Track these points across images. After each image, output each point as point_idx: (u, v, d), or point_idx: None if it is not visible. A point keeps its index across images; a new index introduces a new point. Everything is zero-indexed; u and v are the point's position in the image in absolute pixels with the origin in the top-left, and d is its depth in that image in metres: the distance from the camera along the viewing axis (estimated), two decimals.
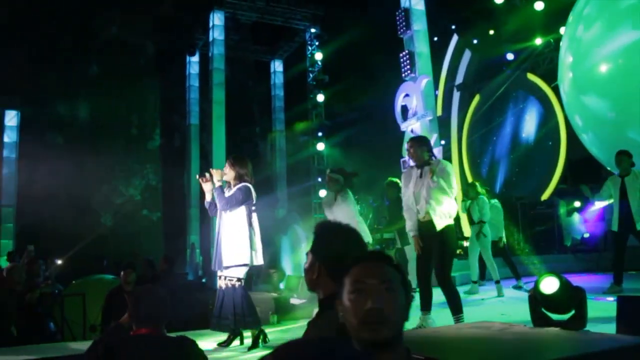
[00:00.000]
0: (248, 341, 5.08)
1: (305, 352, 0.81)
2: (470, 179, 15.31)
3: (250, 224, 5.07)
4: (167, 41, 19.62)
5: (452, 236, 5.14)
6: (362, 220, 6.67)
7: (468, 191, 8.51)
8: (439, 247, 5.04)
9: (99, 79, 19.89)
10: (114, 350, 2.38)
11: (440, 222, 5.02)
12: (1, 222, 16.57)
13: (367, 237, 6.63)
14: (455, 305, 5.03)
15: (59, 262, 7.93)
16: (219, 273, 5.17)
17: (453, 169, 5.25)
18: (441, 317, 5.23)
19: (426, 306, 5.16)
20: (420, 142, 5.31)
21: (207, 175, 5.16)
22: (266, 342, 5.04)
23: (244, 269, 5.07)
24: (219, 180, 5.08)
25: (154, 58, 20.90)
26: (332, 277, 1.96)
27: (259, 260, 5.12)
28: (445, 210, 5.04)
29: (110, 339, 2.52)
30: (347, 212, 6.47)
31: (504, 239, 8.56)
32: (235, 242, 4.99)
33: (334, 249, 2.01)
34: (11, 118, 17.10)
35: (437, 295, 5.33)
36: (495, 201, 8.72)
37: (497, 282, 7.74)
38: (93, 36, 19.73)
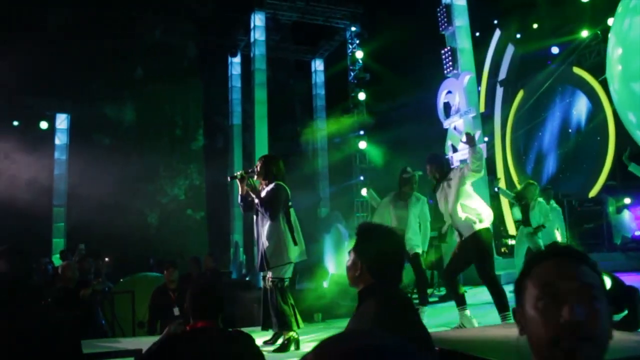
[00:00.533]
0: (305, 346, 4.95)
1: (350, 346, 0.75)
2: (515, 176, 15.07)
3: (287, 222, 5.07)
4: (209, 43, 19.90)
5: (484, 238, 5.16)
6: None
7: (527, 191, 8.29)
8: (473, 249, 5.10)
9: (143, 82, 20.33)
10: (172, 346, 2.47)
11: (468, 227, 5.07)
12: (53, 222, 17.13)
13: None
14: (501, 304, 5.00)
15: (107, 259, 8.14)
16: (262, 273, 5.20)
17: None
18: (490, 316, 5.18)
19: (459, 301, 5.20)
20: (431, 161, 5.68)
21: (239, 174, 5.25)
22: (298, 349, 4.90)
23: (288, 268, 5.08)
24: (257, 197, 5.05)
25: (197, 60, 21.22)
26: (372, 275, 2.14)
27: (300, 256, 5.11)
28: (471, 215, 5.09)
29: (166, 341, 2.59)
30: (420, 214, 6.50)
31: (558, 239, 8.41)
32: (275, 241, 5.00)
33: (375, 249, 2.15)
34: (62, 121, 17.65)
35: (485, 294, 5.29)
36: (552, 203, 8.58)
37: None
38: (137, 40, 20.17)
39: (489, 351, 2.30)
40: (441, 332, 3.75)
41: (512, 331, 2.68)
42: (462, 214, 5.12)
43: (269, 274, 5.06)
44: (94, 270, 8.27)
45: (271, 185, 5.07)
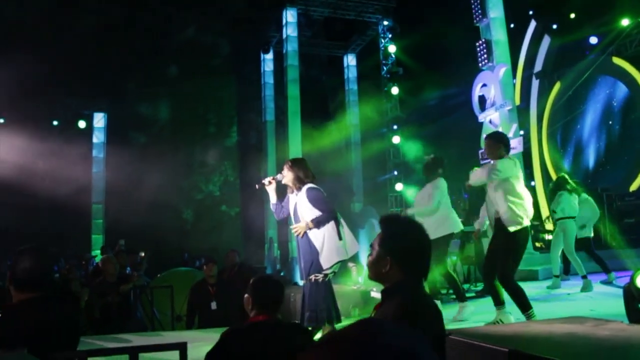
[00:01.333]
0: None
1: (346, 336, 0.78)
2: (552, 170, 14.81)
3: (335, 219, 5.01)
4: (241, 40, 20.03)
5: (520, 237, 5.00)
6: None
7: (560, 185, 8.20)
8: (504, 245, 4.98)
9: (178, 80, 20.59)
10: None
11: (508, 222, 4.95)
12: (92, 218, 17.52)
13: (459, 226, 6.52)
14: (520, 303, 4.92)
15: (142, 254, 8.28)
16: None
17: (510, 164, 5.11)
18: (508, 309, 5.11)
19: (498, 301, 5.11)
20: (495, 139, 5.27)
21: (267, 181, 5.19)
22: None
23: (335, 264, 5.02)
24: (311, 224, 4.99)
25: (230, 57, 21.40)
26: (401, 270, 2.05)
27: (352, 248, 5.04)
28: (513, 210, 4.94)
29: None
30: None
31: (590, 234, 8.24)
32: (324, 242, 4.87)
33: (405, 241, 2.07)
34: (99, 120, 18.03)
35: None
36: (584, 195, 8.39)
37: (584, 277, 7.45)
38: (171, 38, 20.43)
39: (536, 346, 2.26)
40: (483, 327, 3.72)
41: (559, 327, 2.64)
42: (504, 208, 4.97)
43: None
44: (132, 265, 8.42)
45: (304, 189, 4.98)
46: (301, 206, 5.00)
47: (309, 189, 4.97)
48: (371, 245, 2.17)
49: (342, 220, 5.04)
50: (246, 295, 2.88)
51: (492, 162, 5.23)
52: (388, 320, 0.82)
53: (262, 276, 3.36)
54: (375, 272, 2.12)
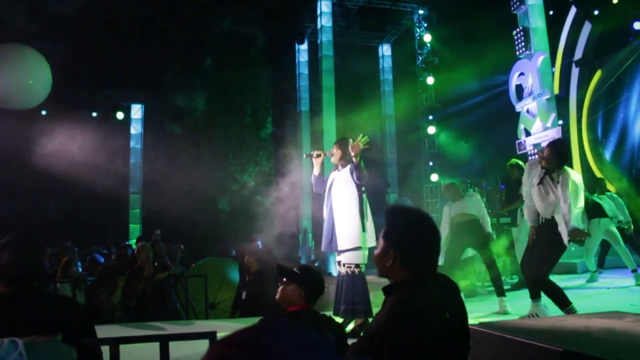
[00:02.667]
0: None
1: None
2: (592, 162, 14.45)
3: (360, 206, 5.07)
4: (276, 31, 20.05)
5: (563, 239, 4.90)
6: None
7: (596, 187, 8.23)
8: (547, 244, 4.90)
9: (213, 71, 20.75)
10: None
11: (559, 225, 4.89)
12: (130, 208, 17.85)
13: (488, 228, 6.52)
14: (558, 300, 4.83)
15: (182, 246, 8.41)
16: (337, 258, 5.20)
17: (577, 179, 4.99)
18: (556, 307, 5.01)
19: (535, 294, 5.03)
20: (558, 149, 5.13)
21: (315, 153, 5.33)
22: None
23: (361, 253, 5.04)
24: (355, 157, 5.10)
25: (265, 48, 21.44)
26: (406, 264, 1.93)
27: (371, 242, 5.07)
28: (567, 216, 4.85)
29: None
30: (479, 215, 6.46)
31: (631, 226, 8.10)
32: (348, 224, 5.00)
33: (408, 235, 1.95)
34: (136, 111, 18.32)
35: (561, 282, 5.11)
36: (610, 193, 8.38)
37: (634, 270, 7.39)
38: (207, 30, 20.57)
39: (571, 341, 2.21)
40: (519, 320, 3.66)
41: (597, 322, 2.57)
42: (566, 211, 4.88)
43: (344, 260, 5.05)
44: (168, 254, 8.55)
45: (350, 165, 5.09)
46: (339, 180, 5.16)
47: (356, 162, 5.08)
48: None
49: (368, 213, 5.09)
50: (293, 286, 2.89)
51: (562, 172, 5.03)
52: (288, 324, 0.80)
53: (308, 267, 3.38)
54: (380, 267, 2.01)
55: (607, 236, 7.79)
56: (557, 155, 5.03)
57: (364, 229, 5.00)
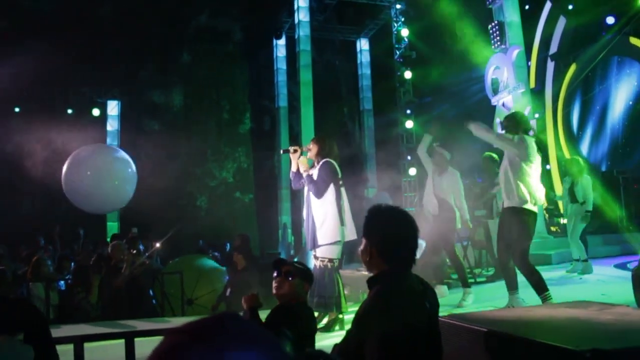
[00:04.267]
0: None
1: (184, 331, 0.80)
2: (567, 154, 14.62)
3: (338, 201, 5.05)
4: (254, 26, 19.96)
5: (528, 220, 4.93)
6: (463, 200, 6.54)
7: (570, 168, 8.09)
8: (514, 229, 4.94)
9: (190, 67, 20.60)
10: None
11: (515, 205, 4.90)
12: None
13: (466, 215, 6.50)
14: (536, 285, 4.87)
15: (158, 244, 8.37)
16: (313, 252, 5.20)
17: (533, 143, 5.02)
18: (533, 298, 5.06)
19: (512, 285, 5.06)
20: (514, 120, 5.16)
21: (292, 148, 5.31)
22: (342, 329, 4.90)
23: (337, 248, 5.05)
24: (305, 171, 5.11)
25: (242, 43, 21.34)
26: (385, 259, 2.11)
27: (350, 235, 5.08)
28: (521, 193, 4.86)
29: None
30: (453, 189, 6.39)
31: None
32: (325, 220, 4.99)
33: (384, 233, 2.13)
34: (113, 108, 18.09)
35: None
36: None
37: (585, 260, 7.45)
38: (184, 25, 20.40)
39: (536, 330, 2.23)
40: (487, 312, 3.69)
41: (562, 311, 2.61)
42: (515, 190, 4.90)
43: (319, 254, 5.05)
44: (143, 251, 8.48)
45: (322, 162, 5.09)
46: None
47: (324, 162, 5.04)
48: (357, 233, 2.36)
49: (345, 206, 5.08)
50: (297, 280, 2.95)
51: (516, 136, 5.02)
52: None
53: (302, 262, 3.48)
54: (364, 262, 2.21)
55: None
56: (516, 123, 5.09)
57: (342, 223, 5.01)
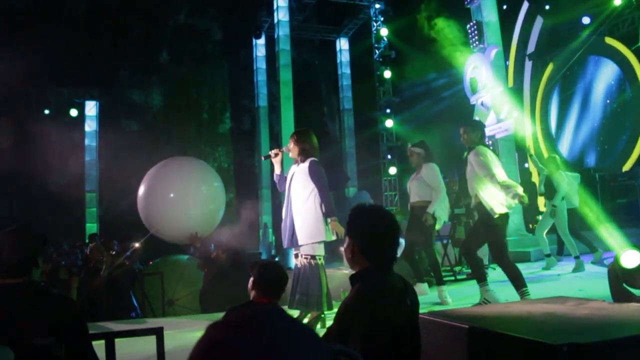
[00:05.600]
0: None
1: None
2: (545, 152, 14.80)
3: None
4: (233, 25, 19.88)
5: (498, 224, 5.03)
6: (446, 197, 6.53)
7: (547, 165, 8.21)
8: (487, 228, 5.04)
9: (170, 66, 20.45)
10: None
11: (489, 206, 5.01)
12: (86, 207, 17.47)
13: (445, 216, 6.52)
14: (516, 280, 4.95)
15: (137, 245, 8.26)
16: (294, 251, 5.15)
17: (488, 155, 5.16)
18: (513, 295, 5.11)
19: (480, 277, 5.17)
20: (472, 127, 5.41)
21: (273, 152, 5.23)
22: (323, 327, 4.90)
23: (319, 246, 5.02)
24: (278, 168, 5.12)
25: (222, 42, 21.25)
26: (367, 256, 2.17)
27: (331, 235, 5.04)
28: (491, 195, 5.00)
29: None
30: (432, 186, 6.37)
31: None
32: (309, 219, 4.93)
33: (366, 231, 2.19)
34: (91, 108, 17.91)
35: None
36: (570, 174, 8.39)
37: (577, 257, 7.48)
38: (163, 24, 20.26)
39: (514, 326, 2.27)
40: (466, 308, 3.72)
41: (540, 307, 2.64)
42: (482, 194, 5.05)
43: (302, 251, 5.01)
44: (124, 252, 8.40)
45: (307, 162, 5.01)
46: (298, 177, 5.05)
47: (312, 162, 5.00)
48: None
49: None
50: (252, 279, 2.96)
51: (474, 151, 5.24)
52: (282, 311, 0.83)
53: (269, 261, 3.47)
54: (348, 260, 2.27)
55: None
56: (472, 130, 5.35)
57: (326, 222, 4.96)
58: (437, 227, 6.37)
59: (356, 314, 2.01)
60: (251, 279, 2.98)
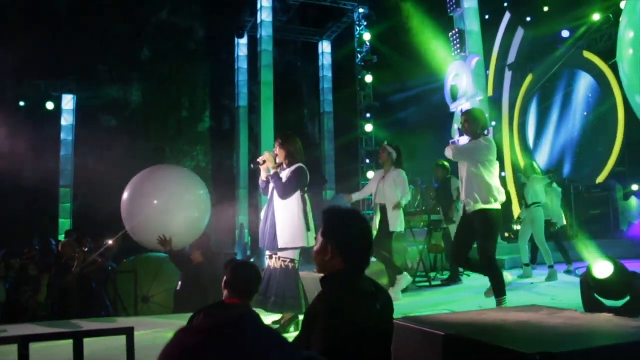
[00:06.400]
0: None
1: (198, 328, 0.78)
2: (521, 161, 14.96)
3: (304, 206, 4.96)
4: (216, 24, 19.79)
5: (493, 218, 4.94)
6: (401, 208, 6.57)
7: (524, 173, 8.34)
8: (479, 228, 4.92)
9: (150, 63, 20.27)
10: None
11: (479, 204, 4.90)
12: (59, 202, 17.20)
13: (401, 226, 6.55)
14: (498, 288, 4.91)
15: (110, 242, 8.13)
16: (269, 253, 5.10)
17: (488, 143, 5.04)
18: (488, 302, 5.13)
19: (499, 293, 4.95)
20: (472, 117, 5.16)
21: (260, 160, 5.14)
22: (297, 329, 4.79)
23: (298, 251, 5.01)
24: (273, 168, 4.99)
25: (204, 41, 21.14)
26: (342, 258, 2.12)
27: (312, 241, 4.96)
28: (484, 191, 4.91)
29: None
30: (393, 193, 6.42)
31: (560, 225, 8.33)
32: (291, 224, 4.87)
33: (344, 231, 2.15)
34: (68, 102, 17.64)
35: (484, 279, 5.24)
36: (554, 185, 8.51)
37: (551, 266, 7.55)
38: (144, 21, 20.08)
39: (487, 334, 2.27)
40: (441, 315, 3.73)
41: (513, 315, 2.66)
42: (475, 188, 4.93)
43: (281, 255, 4.96)
44: (98, 250, 8.28)
45: (294, 167, 4.95)
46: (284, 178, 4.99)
47: (298, 168, 4.94)
48: (315, 238, 2.29)
49: (309, 212, 4.99)
50: (224, 279, 2.93)
51: (473, 140, 5.07)
52: (255, 318, 0.81)
53: (242, 262, 3.43)
54: (320, 262, 2.18)
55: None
56: (475, 119, 5.12)
57: (308, 229, 4.92)
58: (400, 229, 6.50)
59: (321, 317, 1.96)
60: (224, 279, 2.95)
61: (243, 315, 0.79)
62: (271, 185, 5.04)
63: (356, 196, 7.27)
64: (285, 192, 4.88)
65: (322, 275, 2.19)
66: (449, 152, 5.09)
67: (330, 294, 2.06)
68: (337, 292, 2.04)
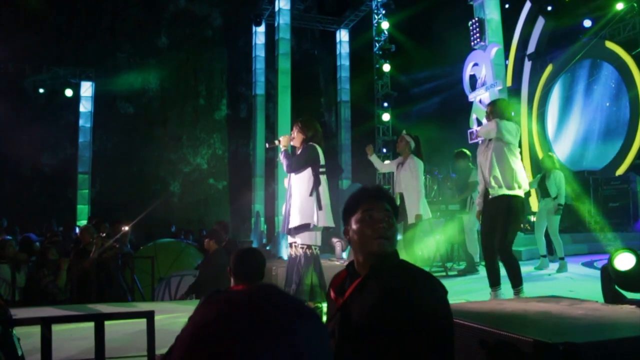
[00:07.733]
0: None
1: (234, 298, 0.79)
2: (540, 153, 14.81)
3: (316, 185, 4.93)
4: (233, 12, 19.77)
5: (517, 206, 4.84)
6: (424, 195, 6.50)
7: (543, 163, 8.20)
8: (501, 214, 4.82)
9: (168, 51, 20.33)
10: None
11: (503, 189, 4.83)
12: (78, 188, 17.37)
13: (427, 214, 6.49)
14: (514, 277, 4.84)
15: (126, 228, 8.20)
16: (289, 240, 5.09)
17: (515, 127, 4.96)
18: (503, 290, 5.08)
19: (494, 281, 4.98)
20: (498, 107, 5.06)
21: (276, 142, 5.20)
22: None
23: (314, 235, 4.92)
24: (284, 146, 5.04)
25: (221, 29, 21.14)
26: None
27: (323, 221, 4.89)
28: (508, 176, 4.84)
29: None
30: (410, 181, 6.38)
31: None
32: (301, 201, 4.87)
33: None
34: (86, 89, 17.75)
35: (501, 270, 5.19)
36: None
37: (562, 258, 7.49)
38: (163, 8, 20.11)
39: (509, 324, 2.25)
40: (459, 304, 3.71)
41: (534, 305, 2.63)
42: (500, 175, 4.84)
43: (297, 240, 4.96)
44: (115, 235, 8.36)
45: (305, 146, 4.97)
46: None
47: (307, 145, 4.95)
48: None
49: (322, 192, 4.95)
50: (230, 266, 2.95)
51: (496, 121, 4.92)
52: (279, 290, 0.82)
53: (245, 248, 3.43)
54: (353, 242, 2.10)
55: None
56: (499, 107, 5.04)
57: (320, 208, 4.88)
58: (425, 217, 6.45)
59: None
60: (229, 266, 2.97)
61: (269, 287, 0.80)
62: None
63: (374, 159, 7.18)
64: (290, 166, 4.90)
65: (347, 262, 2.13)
66: (491, 126, 4.93)
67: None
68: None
